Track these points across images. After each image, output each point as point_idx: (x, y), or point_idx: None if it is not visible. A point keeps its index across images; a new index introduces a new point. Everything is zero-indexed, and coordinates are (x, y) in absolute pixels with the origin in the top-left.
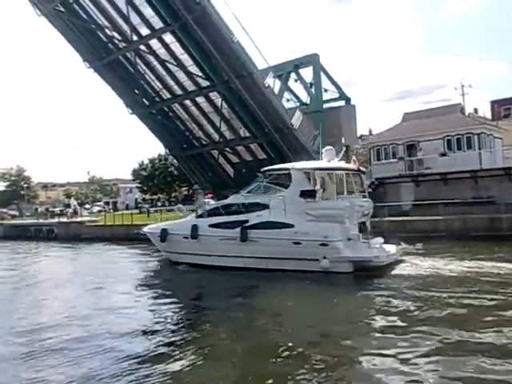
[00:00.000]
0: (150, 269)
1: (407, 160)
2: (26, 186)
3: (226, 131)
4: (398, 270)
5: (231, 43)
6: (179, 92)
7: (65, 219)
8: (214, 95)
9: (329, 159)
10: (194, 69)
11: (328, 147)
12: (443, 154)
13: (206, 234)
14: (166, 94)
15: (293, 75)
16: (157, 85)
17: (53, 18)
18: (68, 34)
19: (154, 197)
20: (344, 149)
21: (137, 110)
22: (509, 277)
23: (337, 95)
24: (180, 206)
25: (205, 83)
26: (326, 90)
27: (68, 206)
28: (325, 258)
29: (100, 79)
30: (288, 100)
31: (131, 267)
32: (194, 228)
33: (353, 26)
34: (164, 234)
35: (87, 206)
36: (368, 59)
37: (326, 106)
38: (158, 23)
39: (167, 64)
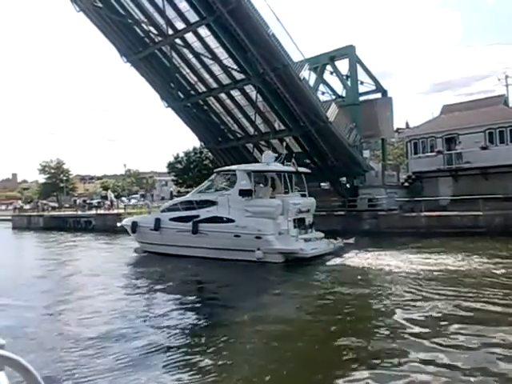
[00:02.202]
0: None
1: (446, 154)
2: (65, 178)
3: (260, 124)
4: (324, 261)
5: (266, 36)
6: (214, 85)
7: (102, 211)
8: (248, 88)
9: (267, 162)
10: (229, 62)
11: (267, 151)
12: (484, 148)
13: (166, 227)
14: (201, 88)
15: (328, 67)
16: (192, 78)
17: (91, 13)
18: (106, 29)
19: (189, 189)
20: (285, 152)
21: (172, 104)
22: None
23: (373, 87)
24: (147, 202)
25: (240, 76)
26: (362, 83)
27: (105, 198)
28: (259, 249)
29: (136, 73)
30: (323, 93)
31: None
32: (157, 221)
33: (390, 16)
34: (134, 226)
35: (123, 198)
36: (405, 50)
37: (362, 98)
38: (193, 17)
39: (202, 57)
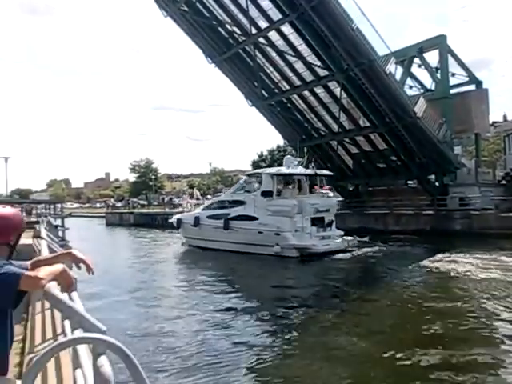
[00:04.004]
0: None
1: None
2: (153, 177)
3: (345, 121)
4: (337, 256)
5: (350, 30)
6: (298, 83)
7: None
8: (332, 85)
9: (288, 166)
10: (312, 59)
11: (287, 156)
12: None
13: (203, 223)
14: (284, 86)
15: (416, 60)
16: (275, 76)
17: (178, 17)
18: (191, 32)
19: None
20: (306, 157)
21: (256, 102)
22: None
23: (466, 79)
24: (190, 201)
25: (323, 73)
26: (453, 75)
27: (191, 196)
28: (277, 244)
29: (220, 73)
30: (411, 87)
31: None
32: (196, 218)
33: None
34: (179, 222)
35: (209, 196)
36: (508, 34)
37: (453, 91)
38: (276, 15)
39: (285, 55)
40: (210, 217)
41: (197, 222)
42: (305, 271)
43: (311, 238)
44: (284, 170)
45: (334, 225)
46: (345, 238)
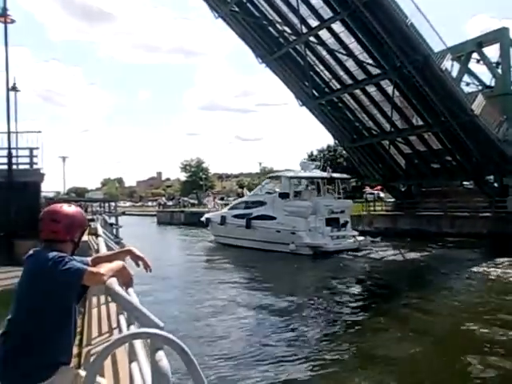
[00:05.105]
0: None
1: None
2: (204, 176)
3: (397, 120)
4: (347, 254)
5: (404, 27)
6: (349, 82)
7: None
8: (385, 83)
9: (305, 170)
10: (363, 57)
11: (303, 160)
12: None
13: (229, 222)
14: (335, 85)
15: (475, 55)
16: (326, 75)
17: (229, 18)
18: (242, 32)
19: None
20: (322, 161)
21: (307, 102)
22: None
23: None
24: (217, 201)
25: (375, 71)
26: None
27: (241, 195)
28: (293, 243)
29: (270, 73)
30: (468, 84)
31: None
32: (223, 217)
33: None
34: (208, 221)
35: None
36: None
37: None
38: (326, 13)
39: (336, 53)
40: (234, 216)
41: (223, 220)
42: (315, 268)
43: (324, 237)
44: (302, 173)
45: (348, 225)
46: (357, 237)
